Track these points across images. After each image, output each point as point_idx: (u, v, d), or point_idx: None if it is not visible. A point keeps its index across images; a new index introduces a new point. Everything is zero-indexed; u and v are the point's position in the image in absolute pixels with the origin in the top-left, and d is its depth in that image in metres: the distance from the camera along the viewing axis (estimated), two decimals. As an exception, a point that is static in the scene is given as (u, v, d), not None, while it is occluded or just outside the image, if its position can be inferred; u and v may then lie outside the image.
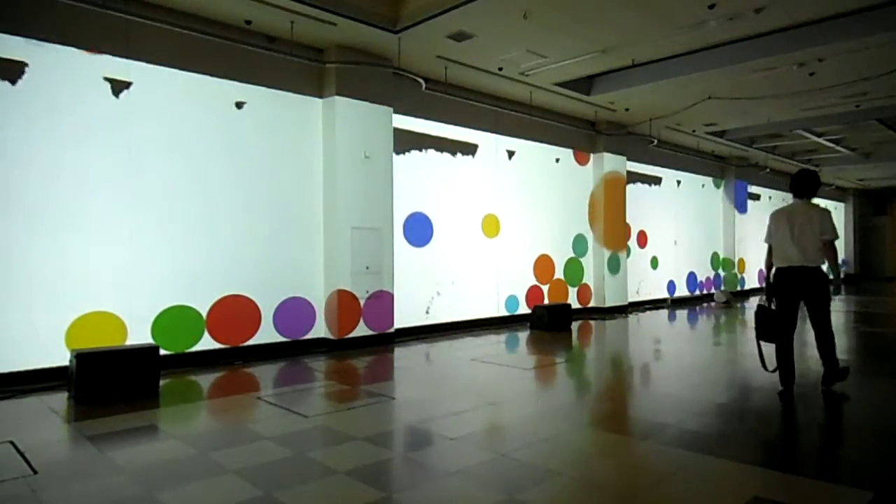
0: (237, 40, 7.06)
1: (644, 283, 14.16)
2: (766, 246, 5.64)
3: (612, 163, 12.62)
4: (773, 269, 5.48)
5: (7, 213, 5.70)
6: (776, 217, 5.48)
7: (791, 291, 5.27)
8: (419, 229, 9.23)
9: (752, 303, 15.61)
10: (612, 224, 12.62)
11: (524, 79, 9.54)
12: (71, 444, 4.27)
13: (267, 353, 7.39)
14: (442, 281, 9.52)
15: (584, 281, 12.36)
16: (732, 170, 17.08)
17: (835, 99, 10.92)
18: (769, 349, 5.47)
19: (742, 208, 17.03)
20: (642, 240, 14.20)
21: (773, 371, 5.39)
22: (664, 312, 13.06)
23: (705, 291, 16.40)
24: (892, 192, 26.65)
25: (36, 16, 5.86)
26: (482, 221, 10.24)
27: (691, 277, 15.95)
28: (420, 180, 9.25)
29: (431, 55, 8.37)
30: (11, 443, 4.04)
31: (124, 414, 4.81)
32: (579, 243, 12.26)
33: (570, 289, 12.03)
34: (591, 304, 12.52)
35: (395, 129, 8.65)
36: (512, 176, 10.81)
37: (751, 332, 10.09)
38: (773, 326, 5.27)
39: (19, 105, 5.78)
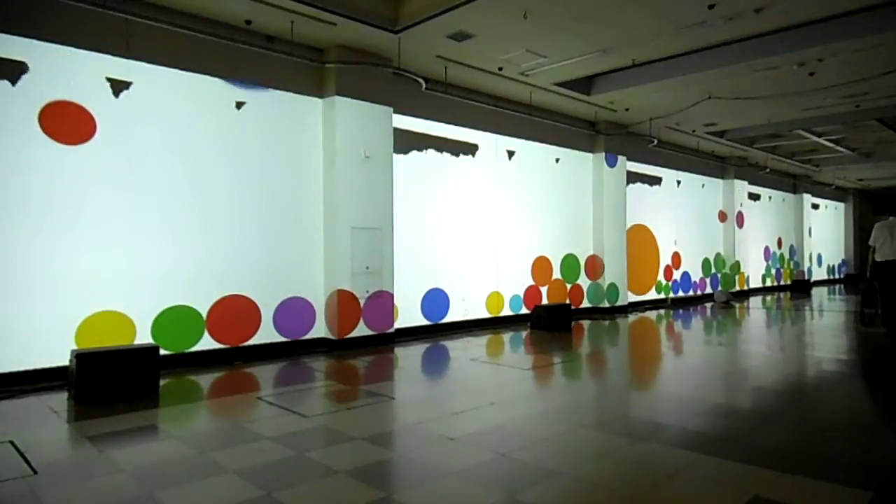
0: (237, 40, 7.06)
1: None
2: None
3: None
4: (874, 262, 8.48)
5: (7, 213, 5.70)
6: (880, 228, 8.48)
7: (888, 276, 8.16)
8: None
9: (753, 303, 15.62)
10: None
11: (524, 79, 9.54)
12: (71, 444, 4.27)
13: (267, 353, 7.39)
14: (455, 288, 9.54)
15: (577, 281, 12.34)
16: (732, 170, 17.08)
17: (835, 99, 10.92)
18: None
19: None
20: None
21: (867, 327, 9.07)
22: (664, 312, 13.06)
23: (705, 291, 16.41)
24: (893, 192, 26.64)
25: (36, 16, 5.86)
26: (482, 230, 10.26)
27: (687, 277, 15.95)
28: (420, 180, 9.26)
29: (431, 55, 8.36)
30: (11, 443, 4.04)
31: (124, 414, 4.81)
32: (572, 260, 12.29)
33: (566, 287, 12.04)
34: (589, 304, 12.53)
35: (395, 129, 8.65)
36: (512, 176, 10.81)
37: (751, 333, 10.12)
38: (874, 299, 8.46)
39: (19, 105, 5.78)
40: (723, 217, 17.17)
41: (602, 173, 12.52)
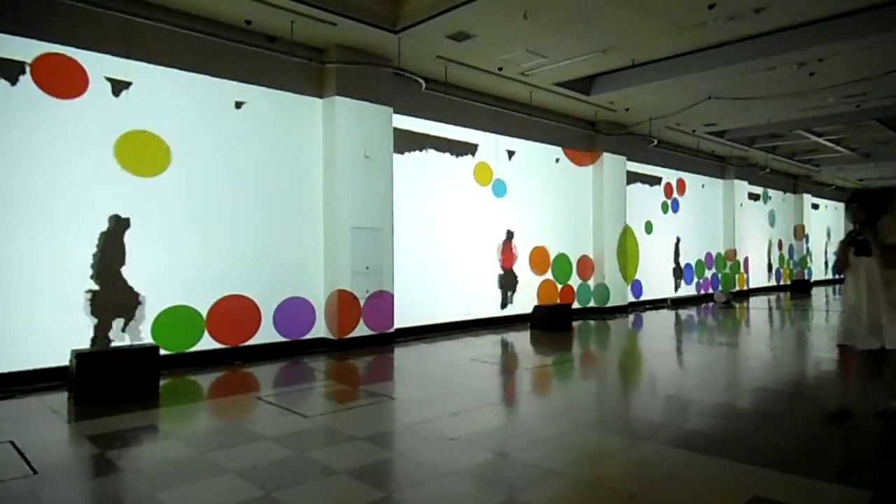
0: (237, 40, 7.06)
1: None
2: None
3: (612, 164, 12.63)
4: None
5: (8, 213, 5.71)
6: None
7: None
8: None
9: (753, 303, 15.61)
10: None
11: (524, 79, 9.54)
12: (71, 444, 4.27)
13: (267, 353, 7.38)
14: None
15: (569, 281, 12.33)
16: (732, 170, 17.08)
17: (835, 99, 10.92)
18: None
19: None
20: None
21: None
22: (664, 313, 13.06)
23: (706, 291, 16.42)
24: (893, 192, 26.62)
25: (36, 16, 5.86)
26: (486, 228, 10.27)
27: (690, 275, 15.95)
28: (420, 180, 9.25)
29: (431, 55, 8.36)
30: (11, 443, 4.04)
31: (124, 414, 4.81)
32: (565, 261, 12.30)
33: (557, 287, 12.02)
34: (589, 304, 12.53)
35: (395, 129, 8.65)
36: (512, 176, 10.80)
37: (751, 333, 10.12)
38: None
39: (19, 105, 5.77)
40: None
41: (602, 173, 12.52)
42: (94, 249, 6.18)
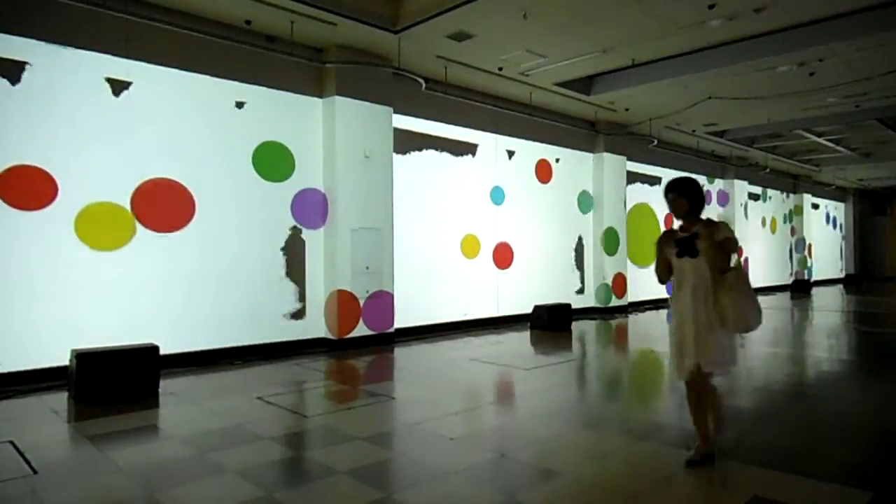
0: (237, 40, 7.06)
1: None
2: None
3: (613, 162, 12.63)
4: None
5: (7, 214, 5.70)
6: None
7: None
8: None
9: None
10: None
11: (524, 79, 9.54)
12: (71, 444, 4.28)
13: (267, 352, 7.38)
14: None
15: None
16: (732, 170, 17.08)
17: (835, 99, 10.91)
18: None
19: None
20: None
21: None
22: (664, 313, 13.05)
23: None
24: (892, 192, 26.63)
25: (36, 16, 5.86)
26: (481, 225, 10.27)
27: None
28: (420, 180, 9.25)
29: (431, 55, 8.36)
30: (11, 443, 4.05)
31: (124, 414, 4.81)
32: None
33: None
34: (590, 304, 12.53)
35: (395, 129, 8.65)
36: (512, 176, 10.80)
37: (750, 333, 10.11)
38: None
39: (19, 105, 5.77)
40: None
41: (602, 173, 12.53)
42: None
